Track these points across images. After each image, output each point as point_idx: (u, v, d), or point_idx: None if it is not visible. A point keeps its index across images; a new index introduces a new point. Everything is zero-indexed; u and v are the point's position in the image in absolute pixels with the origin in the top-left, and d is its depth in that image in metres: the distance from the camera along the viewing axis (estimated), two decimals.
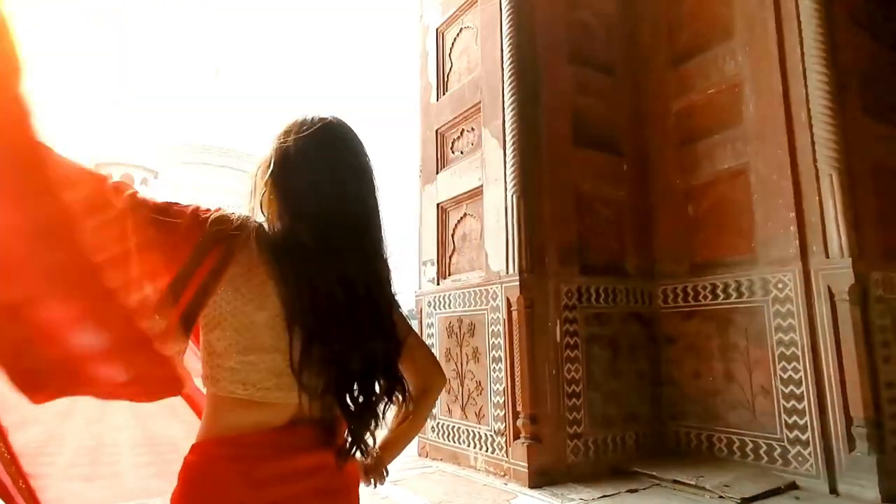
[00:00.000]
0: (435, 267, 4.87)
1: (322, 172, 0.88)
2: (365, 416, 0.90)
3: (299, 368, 0.82)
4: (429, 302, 4.87)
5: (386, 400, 0.93)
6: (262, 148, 0.96)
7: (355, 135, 0.96)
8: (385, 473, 1.01)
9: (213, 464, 0.82)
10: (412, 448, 5.00)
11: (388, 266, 0.94)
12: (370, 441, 0.93)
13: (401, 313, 0.98)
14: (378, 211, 0.94)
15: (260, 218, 0.91)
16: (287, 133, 0.90)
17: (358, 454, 0.98)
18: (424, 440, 4.73)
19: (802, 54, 3.66)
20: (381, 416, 0.94)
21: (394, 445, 1.03)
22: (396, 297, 0.97)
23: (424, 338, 4.87)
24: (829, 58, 3.58)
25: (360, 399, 0.89)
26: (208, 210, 0.85)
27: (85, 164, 0.83)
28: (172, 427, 0.94)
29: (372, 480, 0.99)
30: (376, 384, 0.91)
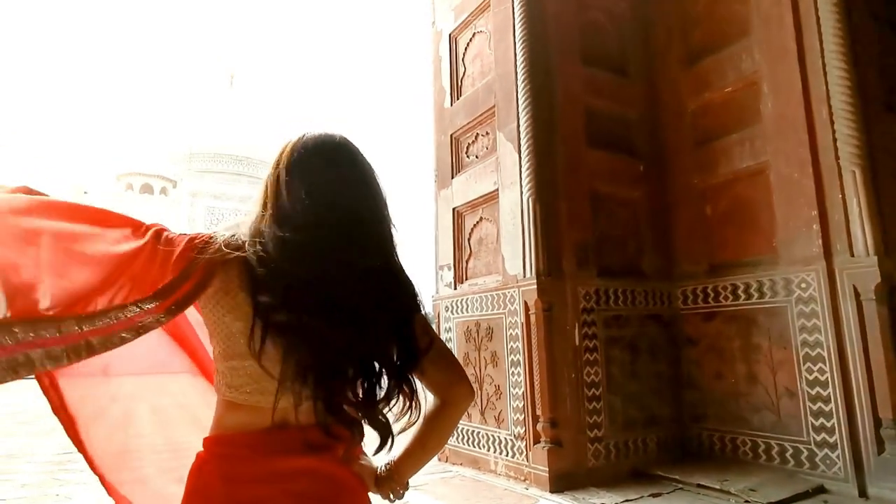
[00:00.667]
0: (452, 271, 4.87)
1: (311, 183, 0.89)
2: (357, 424, 0.89)
3: (280, 375, 0.83)
4: (446, 306, 4.88)
5: (385, 406, 0.91)
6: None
7: (346, 148, 0.95)
8: (401, 487, 0.97)
9: (207, 459, 0.87)
10: None
11: (391, 274, 0.91)
12: (383, 450, 0.93)
13: (421, 320, 0.94)
14: (377, 216, 0.93)
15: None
16: (281, 154, 0.94)
17: (370, 462, 0.98)
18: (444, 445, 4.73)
19: (822, 50, 3.61)
20: (385, 422, 0.92)
21: (408, 458, 0.97)
22: (413, 304, 0.93)
23: None
24: (848, 53, 3.52)
25: (358, 406, 0.89)
26: (200, 237, 0.87)
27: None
28: (194, 434, 0.96)
29: (390, 494, 0.97)
30: (374, 391, 0.89)
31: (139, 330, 0.79)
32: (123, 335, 0.77)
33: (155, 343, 1.20)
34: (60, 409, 1.06)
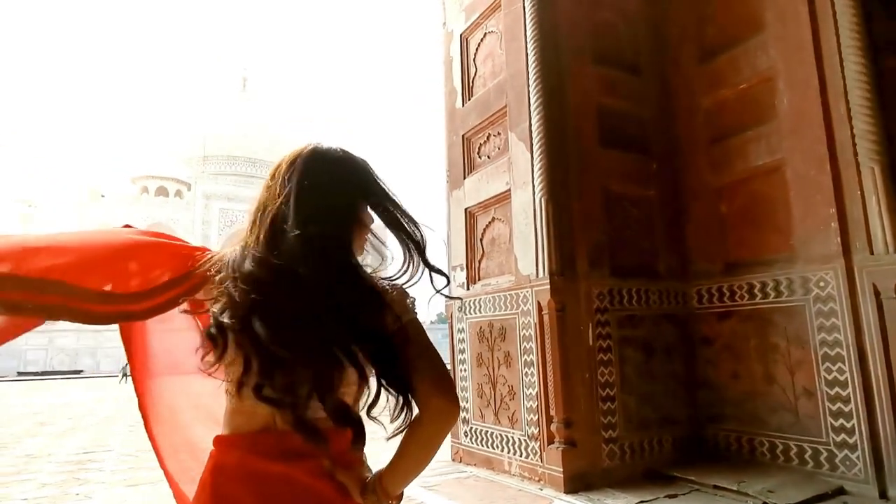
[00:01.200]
0: (464, 272, 4.87)
1: (290, 201, 0.94)
2: (317, 433, 0.88)
3: (257, 382, 0.87)
4: (459, 307, 4.88)
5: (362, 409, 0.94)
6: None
7: (329, 162, 0.99)
8: (388, 499, 0.94)
9: (211, 455, 0.94)
10: (445, 453, 5.01)
11: (356, 286, 0.92)
12: (359, 447, 0.95)
13: (408, 326, 0.94)
14: (343, 233, 0.96)
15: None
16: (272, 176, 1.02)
17: (364, 470, 0.97)
18: (458, 445, 4.73)
19: (839, 45, 3.56)
20: (356, 420, 0.93)
21: (392, 470, 0.93)
22: (367, 308, 0.92)
23: (455, 343, 4.89)
24: (866, 48, 3.47)
25: (329, 415, 0.89)
26: (206, 252, 1.01)
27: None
28: (212, 434, 0.98)
29: None
30: (328, 395, 0.89)
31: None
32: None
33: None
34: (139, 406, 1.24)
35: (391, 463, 0.93)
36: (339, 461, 0.92)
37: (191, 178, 40.00)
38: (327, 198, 0.96)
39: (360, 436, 0.94)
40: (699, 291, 4.41)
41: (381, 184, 1.02)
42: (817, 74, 3.67)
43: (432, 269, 1.01)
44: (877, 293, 3.29)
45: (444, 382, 0.92)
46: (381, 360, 0.92)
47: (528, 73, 4.17)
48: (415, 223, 1.01)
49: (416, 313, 0.98)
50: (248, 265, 0.90)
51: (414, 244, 1.00)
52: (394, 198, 1.01)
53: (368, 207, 1.01)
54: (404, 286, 1.00)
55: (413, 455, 0.92)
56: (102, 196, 38.55)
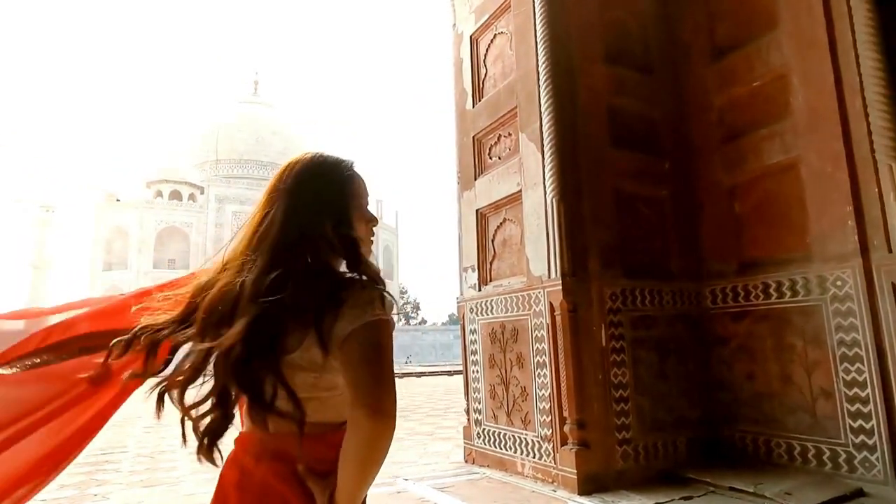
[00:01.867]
0: (476, 273, 4.87)
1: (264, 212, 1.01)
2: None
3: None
4: (471, 308, 4.87)
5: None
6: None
7: (305, 173, 1.02)
8: None
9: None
10: (458, 455, 5.01)
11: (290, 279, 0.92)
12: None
13: (359, 331, 0.89)
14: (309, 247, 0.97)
15: None
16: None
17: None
18: (471, 446, 4.73)
19: (854, 40, 3.51)
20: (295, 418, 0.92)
21: (340, 484, 0.88)
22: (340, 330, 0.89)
23: (467, 344, 4.88)
24: (881, 42, 3.41)
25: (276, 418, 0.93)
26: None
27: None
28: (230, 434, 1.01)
29: None
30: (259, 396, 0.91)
31: None
32: None
33: None
34: None
35: (338, 478, 0.88)
36: (317, 468, 0.91)
37: (204, 182, 40.36)
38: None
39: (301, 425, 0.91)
40: (713, 291, 4.36)
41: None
42: (832, 70, 3.62)
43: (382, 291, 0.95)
44: (895, 292, 3.24)
45: (368, 394, 0.87)
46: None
47: (538, 73, 4.16)
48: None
49: (377, 315, 0.91)
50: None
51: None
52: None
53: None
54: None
55: (348, 471, 0.87)
56: (118, 200, 39.06)
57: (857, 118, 3.49)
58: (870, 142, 3.41)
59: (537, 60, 4.18)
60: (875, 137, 3.38)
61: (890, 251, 3.29)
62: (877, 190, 3.37)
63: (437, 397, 12.40)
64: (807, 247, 3.76)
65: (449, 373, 21.81)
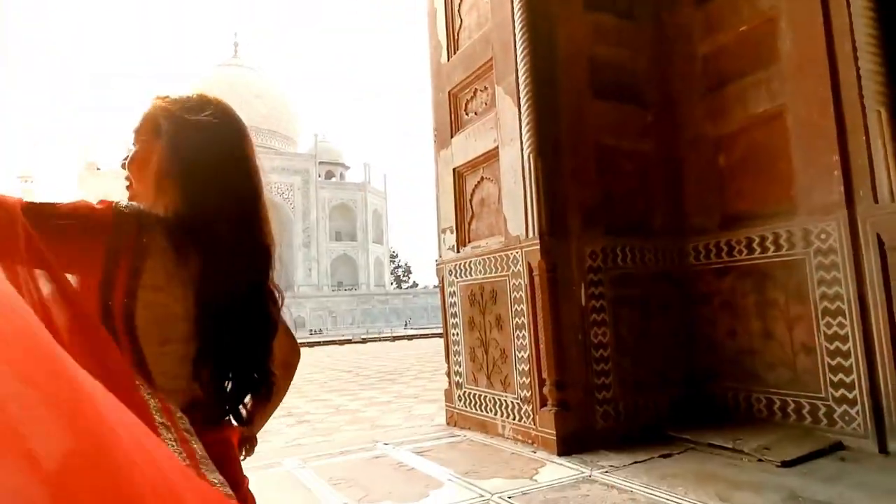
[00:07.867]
0: (454, 234, 4.73)
1: (223, 163, 0.90)
2: (235, 399, 0.93)
3: (203, 358, 0.85)
4: (450, 270, 4.76)
5: (257, 388, 0.96)
6: (141, 109, 0.93)
7: (243, 123, 0.98)
8: (254, 444, 1.07)
9: None
10: (440, 417, 4.98)
11: (269, 261, 0.95)
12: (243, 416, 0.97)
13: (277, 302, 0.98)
14: (263, 205, 0.95)
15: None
16: (182, 110, 0.88)
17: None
18: (452, 409, 4.69)
19: None
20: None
21: (261, 420, 1.06)
22: (275, 292, 0.97)
23: (447, 307, 4.81)
24: None
25: (238, 384, 0.93)
26: (102, 203, 0.80)
27: None
28: None
29: (243, 451, 1.04)
30: (253, 374, 0.94)
31: None
32: None
33: None
34: None
35: (259, 416, 1.06)
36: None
37: None
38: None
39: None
40: (696, 248, 4.26)
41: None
42: (822, 11, 3.42)
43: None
44: (881, 244, 3.14)
45: (296, 344, 1.14)
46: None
47: (513, 21, 3.92)
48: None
49: None
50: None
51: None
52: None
53: None
54: None
55: (277, 404, 1.10)
56: (98, 169, 38.30)
57: (846, 62, 3.32)
58: (858, 87, 3.24)
59: (512, 7, 3.93)
60: (864, 82, 3.21)
61: (876, 201, 3.17)
62: (864, 138, 3.23)
63: (426, 360, 12.46)
64: (791, 199, 3.64)
65: (440, 335, 22.07)
